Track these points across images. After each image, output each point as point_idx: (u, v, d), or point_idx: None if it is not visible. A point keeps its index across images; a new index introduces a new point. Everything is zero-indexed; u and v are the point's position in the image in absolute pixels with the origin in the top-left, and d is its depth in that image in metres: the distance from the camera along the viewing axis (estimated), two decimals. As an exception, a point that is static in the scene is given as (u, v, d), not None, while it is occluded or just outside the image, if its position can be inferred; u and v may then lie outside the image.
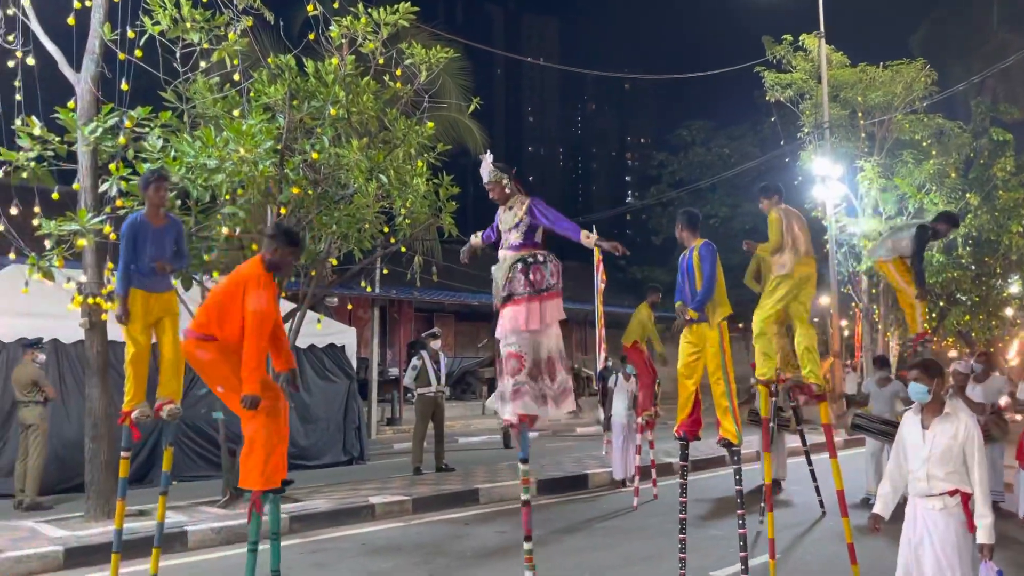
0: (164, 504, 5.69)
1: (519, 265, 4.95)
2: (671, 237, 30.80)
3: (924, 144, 19.24)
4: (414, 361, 11.58)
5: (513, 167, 5.30)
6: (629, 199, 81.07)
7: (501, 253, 5.13)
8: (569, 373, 5.14)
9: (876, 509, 4.29)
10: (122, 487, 5.67)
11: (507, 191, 5.18)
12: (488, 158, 5.27)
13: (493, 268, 5.18)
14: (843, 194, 18.84)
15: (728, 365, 5.70)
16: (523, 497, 4.98)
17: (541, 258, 4.99)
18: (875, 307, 19.65)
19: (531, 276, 4.92)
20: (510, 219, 5.11)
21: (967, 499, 4.02)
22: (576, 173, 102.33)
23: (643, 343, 9.61)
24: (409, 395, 21.53)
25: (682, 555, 5.77)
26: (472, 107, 9.94)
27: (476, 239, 5.61)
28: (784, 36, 19.54)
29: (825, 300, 20.39)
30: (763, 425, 6.20)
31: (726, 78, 22.12)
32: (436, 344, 11.70)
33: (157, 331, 5.77)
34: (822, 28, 18.84)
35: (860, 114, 19.53)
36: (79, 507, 7.95)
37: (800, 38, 19.26)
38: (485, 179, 5.22)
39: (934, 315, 21.12)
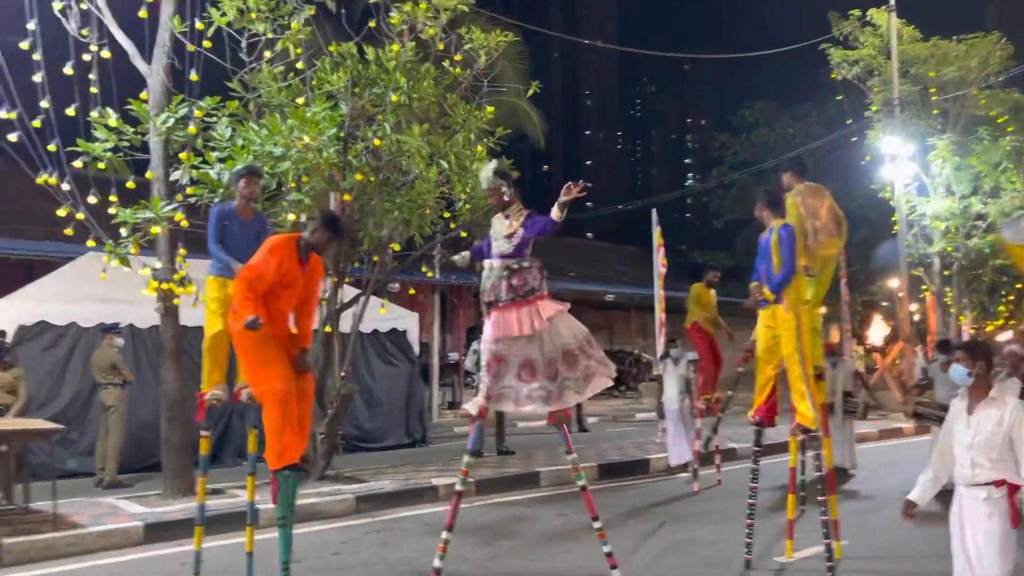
0: (253, 484, 5.87)
1: (505, 272, 5.17)
2: (732, 220, 30.41)
3: (1000, 120, 18.47)
4: (475, 345, 11.69)
5: (512, 177, 5.49)
6: (689, 182, 79.99)
7: (488, 262, 5.29)
8: (593, 355, 5.24)
9: (912, 495, 4.12)
10: (203, 464, 5.89)
11: (506, 199, 5.31)
12: (491, 165, 5.46)
13: (483, 275, 5.36)
14: (914, 173, 18.25)
15: (804, 348, 5.57)
16: (458, 488, 5.28)
17: (526, 264, 5.21)
18: (947, 289, 19.02)
19: (513, 281, 5.13)
20: (504, 228, 5.25)
21: (1015, 491, 3.79)
22: (635, 156, 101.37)
23: (706, 324, 9.43)
24: (469, 379, 21.73)
25: (749, 540, 5.70)
26: (531, 91, 9.92)
27: (461, 258, 5.65)
28: (851, 11, 18.97)
29: (895, 283, 19.84)
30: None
31: (790, 56, 21.57)
32: (496, 328, 11.74)
33: None
34: (892, 1, 18.22)
35: (932, 90, 18.86)
36: (156, 485, 8.26)
37: (868, 13, 18.66)
38: (483, 186, 5.40)
39: (1011, 297, 20.37)
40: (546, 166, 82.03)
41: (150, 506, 7.48)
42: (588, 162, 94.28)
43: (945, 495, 4.15)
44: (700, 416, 9.32)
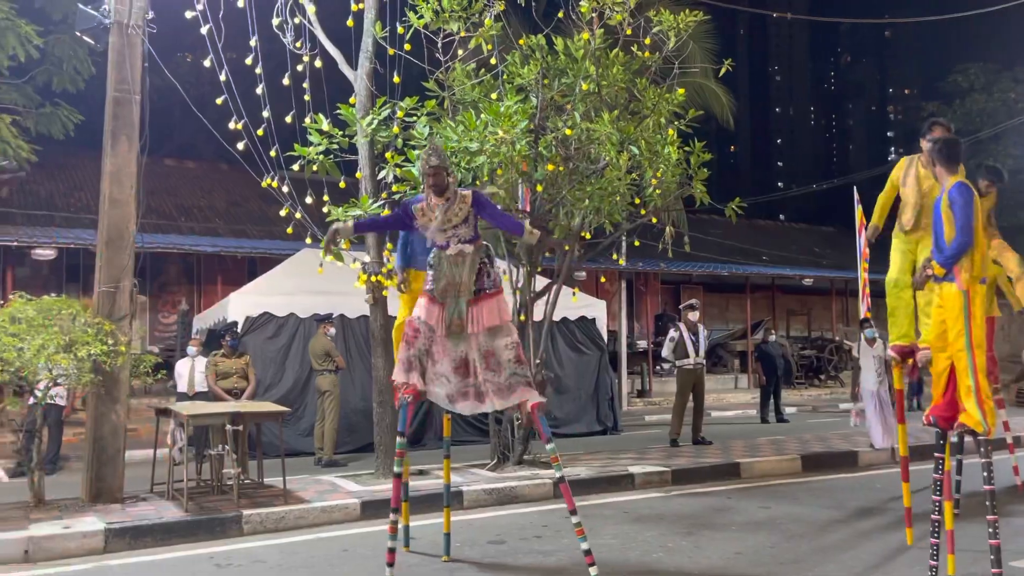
0: (448, 467, 6.17)
1: (485, 260, 5.15)
2: (945, 195, 27.97)
3: None
4: (672, 333, 11.54)
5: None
6: (892, 156, 74.41)
7: (456, 247, 5.10)
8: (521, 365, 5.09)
9: None
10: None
11: (448, 181, 5.11)
12: (436, 142, 5.29)
13: (435, 259, 5.16)
14: None
15: (973, 335, 4.73)
16: (395, 469, 5.25)
17: (489, 257, 5.20)
18: None
19: (490, 271, 5.15)
20: (455, 214, 5.07)
21: None
22: (830, 132, 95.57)
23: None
24: (658, 368, 21.50)
25: (933, 562, 4.90)
26: (723, 70, 9.59)
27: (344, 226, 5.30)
28: (1087, -45, 16.81)
29: None
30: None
31: (1011, 13, 19.48)
32: (694, 316, 11.55)
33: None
34: None
35: None
36: (368, 465, 8.82)
37: (1109, -45, 16.46)
38: (436, 162, 5.08)
39: None
40: (733, 147, 79.26)
41: (364, 484, 8.00)
42: (779, 140, 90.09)
43: None
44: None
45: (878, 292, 13.18)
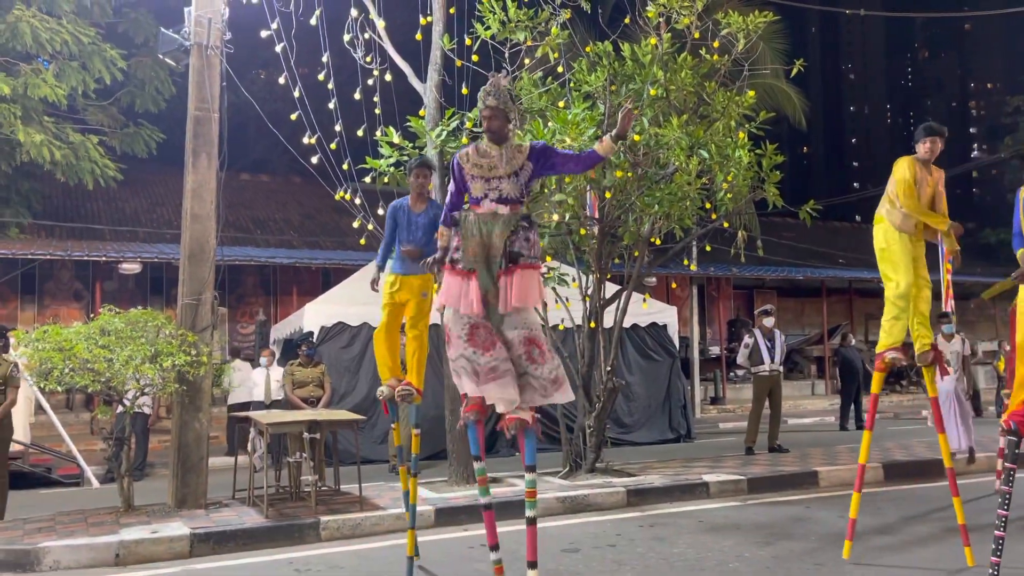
0: (415, 484, 5.89)
1: (523, 224, 4.19)
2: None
3: None
4: (746, 339, 11.35)
5: (518, 100, 4.37)
6: (975, 153, 71.72)
7: (490, 205, 4.16)
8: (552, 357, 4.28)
9: None
10: (401, 455, 6.27)
11: (510, 126, 4.23)
12: (503, 77, 4.31)
13: (468, 219, 4.21)
14: None
15: None
16: (481, 500, 4.55)
17: (532, 221, 4.29)
18: None
19: (530, 236, 4.19)
20: (505, 163, 4.15)
21: None
22: (907, 130, 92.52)
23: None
24: (731, 374, 21.13)
25: None
26: (795, 70, 9.40)
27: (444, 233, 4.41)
28: None
29: None
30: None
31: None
32: (769, 321, 11.34)
33: (405, 312, 5.92)
34: None
35: None
36: (442, 472, 8.90)
37: None
38: (492, 102, 4.17)
39: None
40: (806, 148, 77.55)
41: (438, 492, 8.07)
42: (853, 140, 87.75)
43: None
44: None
45: (961, 295, 12.67)
